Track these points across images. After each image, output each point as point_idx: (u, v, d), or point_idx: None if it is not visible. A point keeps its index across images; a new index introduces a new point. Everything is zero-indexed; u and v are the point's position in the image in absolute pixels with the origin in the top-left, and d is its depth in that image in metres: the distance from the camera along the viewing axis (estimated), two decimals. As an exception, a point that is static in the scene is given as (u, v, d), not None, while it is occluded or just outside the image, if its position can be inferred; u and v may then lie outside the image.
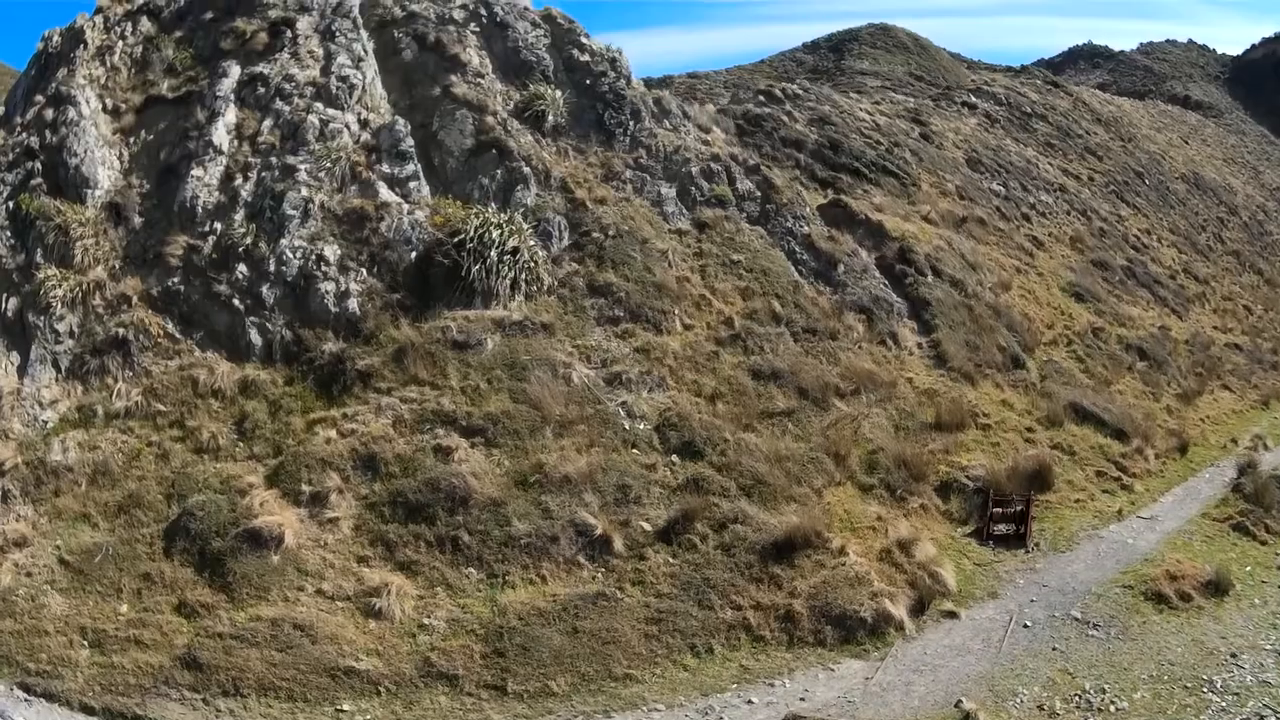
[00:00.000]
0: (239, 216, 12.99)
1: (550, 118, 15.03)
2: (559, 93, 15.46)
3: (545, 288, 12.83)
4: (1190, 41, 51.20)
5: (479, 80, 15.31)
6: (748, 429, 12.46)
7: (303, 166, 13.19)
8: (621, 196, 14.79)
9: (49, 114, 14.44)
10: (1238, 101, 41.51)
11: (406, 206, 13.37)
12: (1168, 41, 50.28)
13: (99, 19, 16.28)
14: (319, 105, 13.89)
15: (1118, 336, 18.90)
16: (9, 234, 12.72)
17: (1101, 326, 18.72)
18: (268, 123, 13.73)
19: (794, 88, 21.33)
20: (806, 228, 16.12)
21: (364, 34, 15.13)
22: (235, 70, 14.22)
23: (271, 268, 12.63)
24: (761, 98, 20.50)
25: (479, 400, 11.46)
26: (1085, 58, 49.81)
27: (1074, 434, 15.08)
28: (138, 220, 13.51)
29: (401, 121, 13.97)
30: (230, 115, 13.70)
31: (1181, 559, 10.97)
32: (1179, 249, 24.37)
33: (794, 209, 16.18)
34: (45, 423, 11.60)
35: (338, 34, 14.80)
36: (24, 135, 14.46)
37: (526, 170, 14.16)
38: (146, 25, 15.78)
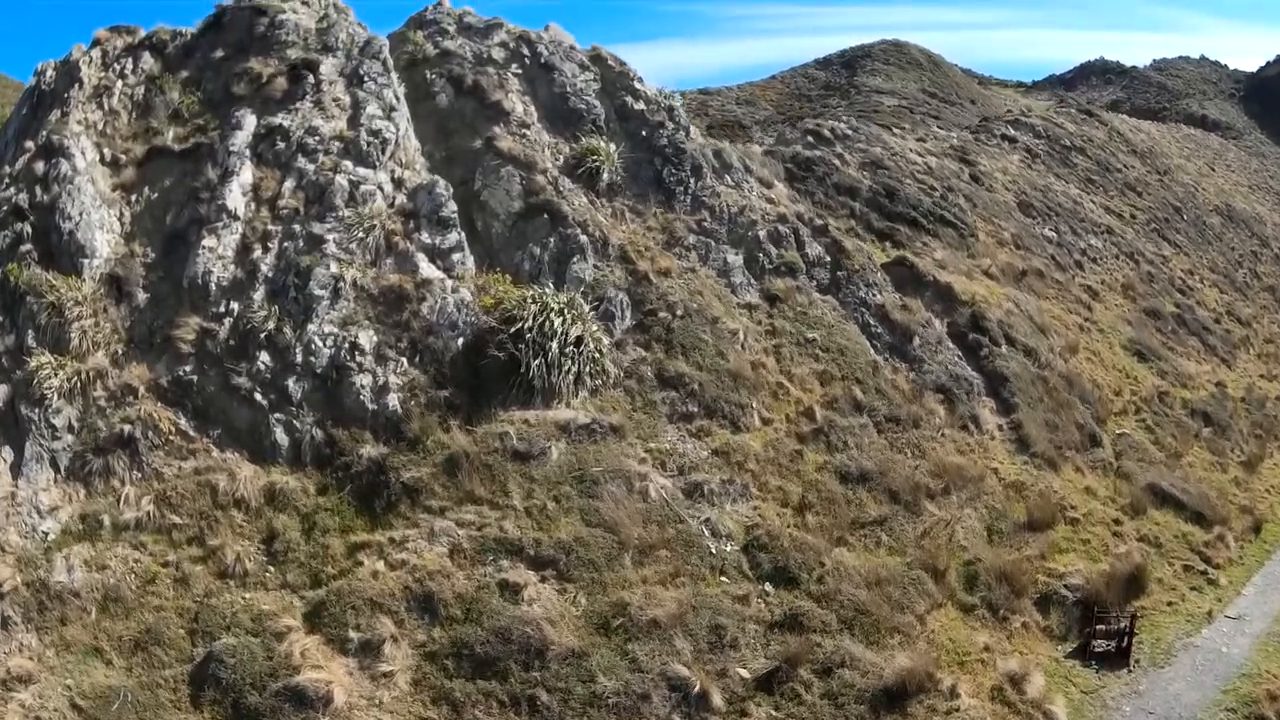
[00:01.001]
0: (259, 295, 11.22)
1: (605, 175, 13.24)
2: (613, 146, 13.70)
3: (611, 380, 11.34)
4: (1203, 58, 50.46)
5: (524, 132, 13.57)
6: (840, 542, 11.23)
7: (331, 236, 11.38)
8: (686, 266, 13.22)
9: (39, 166, 12.42)
10: (1254, 120, 40.90)
11: (450, 283, 11.68)
12: (1180, 58, 49.57)
13: (96, 54, 14.10)
14: (347, 163, 11.98)
15: (1182, 401, 18.00)
16: (-4, 311, 11.01)
17: (1166, 390, 17.82)
18: (289, 183, 11.80)
19: (843, 126, 19.93)
20: (879, 296, 14.73)
21: (395, 78, 13.20)
22: (251, 121, 12.25)
23: (298, 357, 10.96)
24: (810, 138, 19.07)
25: (547, 524, 9.96)
26: (1097, 73, 48.98)
27: (1157, 522, 14.24)
28: (142, 296, 11.71)
29: (442, 183, 12.12)
30: (246, 174, 11.77)
31: (1277, 673, 10.16)
32: (1220, 288, 23.57)
33: (865, 275, 14.73)
34: (45, 534, 9.88)
35: (366, 79, 12.87)
36: (12, 190, 12.38)
37: (582, 238, 12.45)
38: (149, 62, 13.71)
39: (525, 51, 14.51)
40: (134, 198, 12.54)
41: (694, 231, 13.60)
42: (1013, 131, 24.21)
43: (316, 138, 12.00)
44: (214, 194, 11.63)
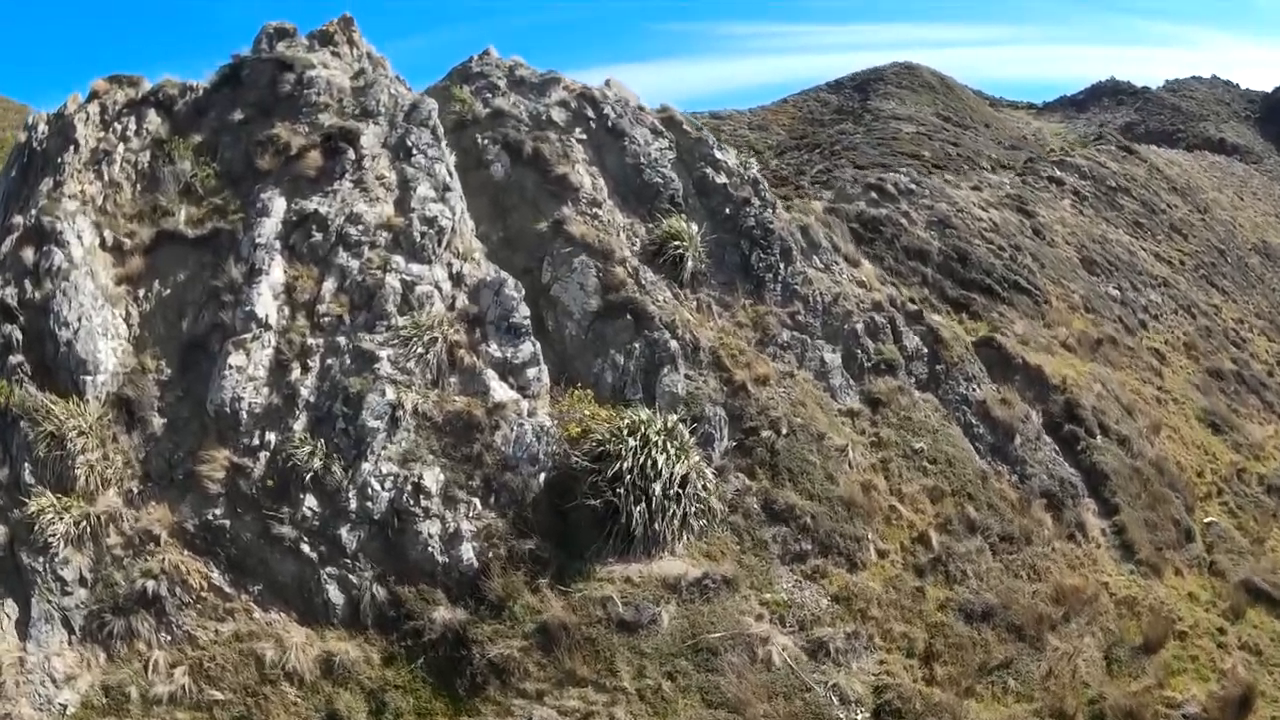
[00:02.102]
0: (299, 426, 9.22)
1: (689, 264, 11.38)
2: (694, 226, 11.85)
3: (717, 518, 9.92)
4: (1215, 77, 49.95)
5: (596, 212, 11.73)
6: (969, 693, 9.93)
7: (384, 353, 9.36)
8: (783, 370, 11.53)
9: (29, 255, 10.25)
10: (1271, 144, 40.59)
11: (525, 405, 9.84)
12: (1193, 78, 49.07)
13: (94, 109, 11.79)
14: (398, 259, 9.95)
15: (1258, 476, 17.01)
16: (-19, 442, 8.98)
17: (1243, 466, 16.83)
18: (329, 284, 9.76)
19: (906, 180, 18.56)
20: (978, 390, 13.15)
21: (446, 149, 11.28)
22: (279, 204, 10.13)
23: (351, 502, 9.13)
24: (874, 194, 17.66)
25: (663, 707, 8.21)
26: (1109, 94, 48.28)
27: (1255, 624, 13.33)
28: (158, 422, 9.75)
29: (511, 282, 10.17)
30: (277, 272, 9.69)
31: None
32: (1268, 336, 22.86)
33: (964, 367, 13.12)
34: (63, 707, 7.98)
35: (414, 151, 10.81)
36: None
37: (672, 343, 10.58)
38: (155, 122, 11.48)
39: (589, 113, 12.65)
40: (142, 293, 10.52)
41: (788, 327, 11.98)
42: (1059, 173, 23.15)
43: (360, 227, 10.00)
44: (239, 296, 9.64)
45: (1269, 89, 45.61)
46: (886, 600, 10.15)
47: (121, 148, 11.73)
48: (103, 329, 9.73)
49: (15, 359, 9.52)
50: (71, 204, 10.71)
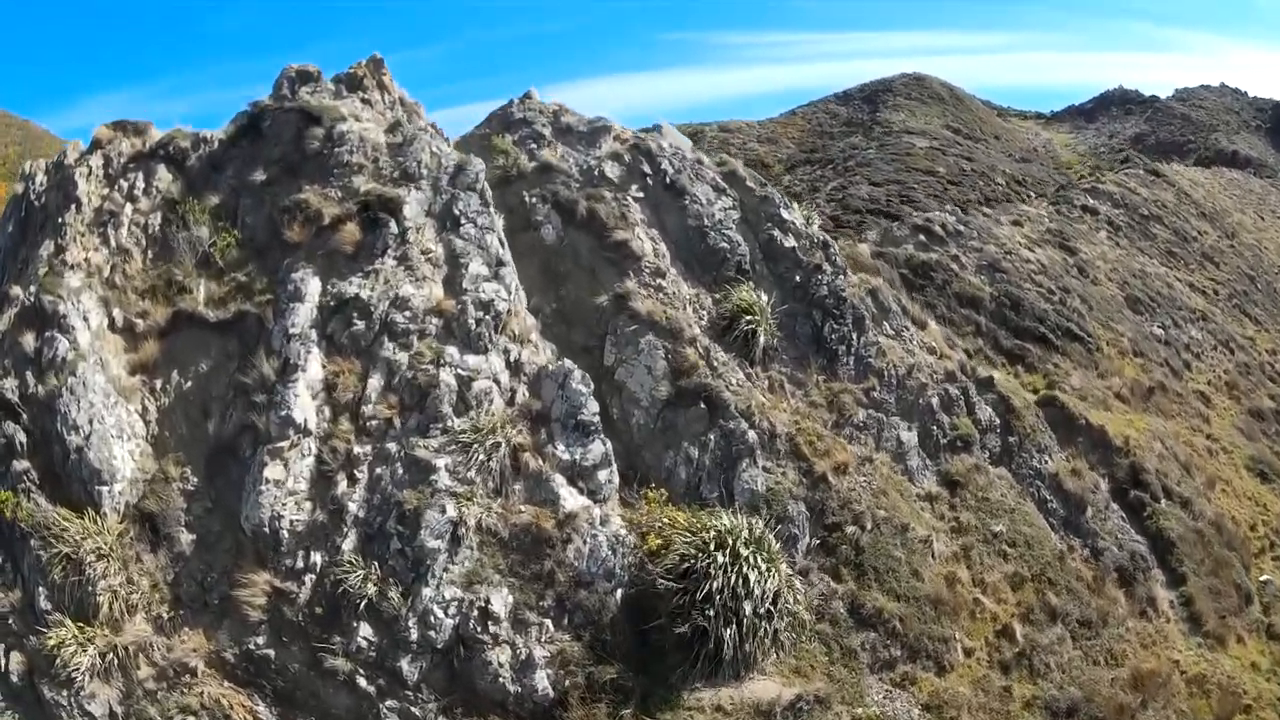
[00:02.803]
0: (348, 545, 8.01)
1: (761, 339, 10.38)
2: (763, 296, 10.88)
3: (806, 629, 9.08)
4: (1223, 85, 49.53)
5: (660, 283, 10.63)
6: (1071, 814, 9.55)
7: (441, 462, 8.22)
8: (862, 454, 10.53)
9: (29, 341, 8.91)
10: (1280, 153, 40.42)
11: (597, 512, 8.69)
12: (1202, 87, 48.66)
13: (97, 161, 10.49)
14: (451, 350, 8.78)
15: (1309, 525, 17.05)
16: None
17: (1294, 515, 16.80)
18: (375, 381, 8.55)
19: (952, 220, 17.73)
20: (1050, 462, 12.26)
21: (495, 215, 10.08)
22: (313, 285, 8.90)
23: (412, 630, 8.05)
24: (923, 237, 16.80)
25: None
26: (1117, 104, 47.75)
27: (1313, 691, 13.33)
28: (186, 539, 8.58)
29: (577, 374, 9.09)
30: (314, 367, 8.49)
31: None
32: (1298, 367, 22.75)
33: (1035, 437, 12.22)
34: None
35: (463, 220, 9.57)
36: None
37: (750, 434, 9.59)
38: (165, 179, 10.15)
39: (645, 167, 11.53)
40: (159, 385, 9.32)
41: (864, 405, 11.02)
42: (1093, 202, 22.52)
43: (407, 313, 8.82)
44: (272, 396, 8.37)
45: (1277, 96, 45.42)
46: (976, 704, 9.47)
47: (129, 209, 10.47)
48: (117, 430, 8.57)
49: (20, 465, 8.34)
50: (75, 276, 9.47)
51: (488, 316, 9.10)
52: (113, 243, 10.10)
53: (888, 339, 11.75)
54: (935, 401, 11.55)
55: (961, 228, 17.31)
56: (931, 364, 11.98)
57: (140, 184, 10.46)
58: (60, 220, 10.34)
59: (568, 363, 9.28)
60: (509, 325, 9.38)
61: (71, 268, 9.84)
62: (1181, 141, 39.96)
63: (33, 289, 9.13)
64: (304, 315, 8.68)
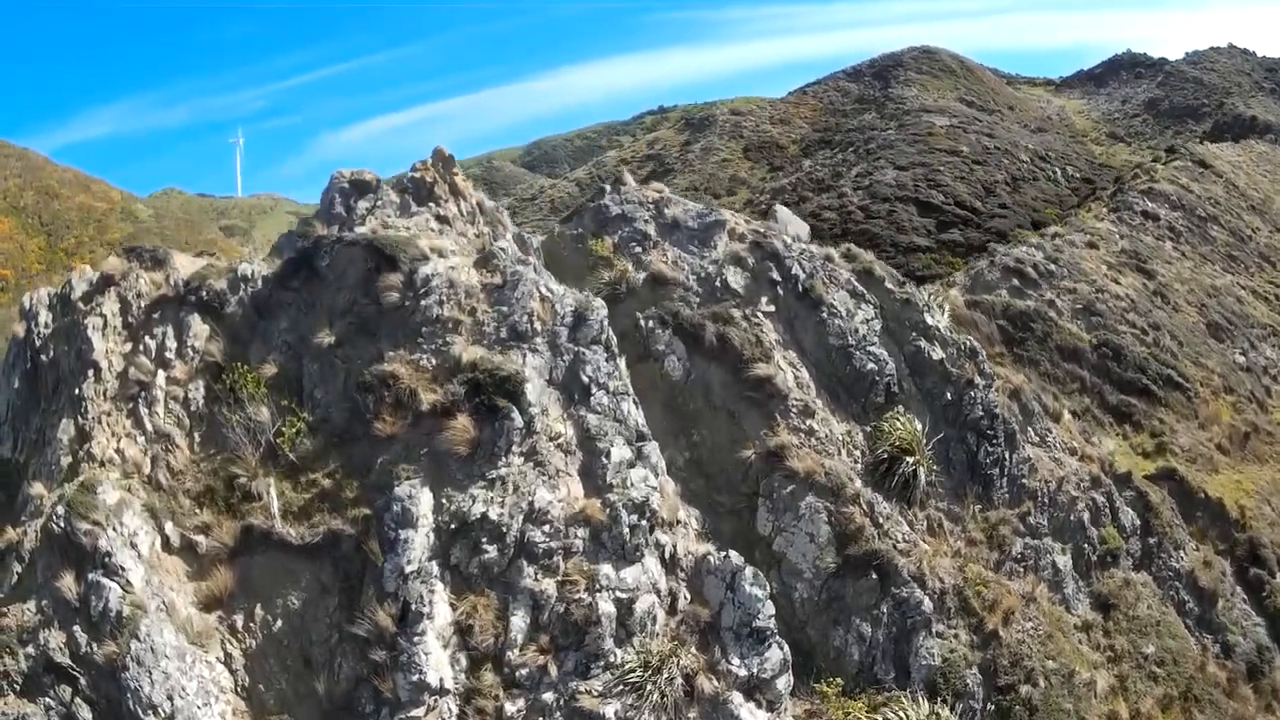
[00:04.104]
0: None
1: (922, 480, 8.80)
2: (917, 425, 9.16)
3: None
4: (1232, 46, 47.44)
5: (809, 423, 8.75)
6: None
7: (610, 709, 6.49)
8: (1024, 592, 9.11)
9: (69, 585, 6.65)
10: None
11: None
12: (1212, 49, 46.38)
13: (111, 304, 8.27)
14: (605, 569, 6.90)
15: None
16: None
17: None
18: (518, 620, 6.65)
19: (1039, 257, 15.99)
20: (1184, 558, 11.11)
21: (623, 366, 7.90)
22: (424, 501, 6.83)
23: None
24: (1016, 281, 15.10)
25: None
26: (1126, 68, 45.30)
27: None
28: None
29: (748, 572, 7.29)
30: (442, 611, 6.58)
31: None
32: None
33: (1172, 534, 11.03)
34: None
35: (593, 388, 7.48)
36: (32, 603, 6.68)
37: (925, 603, 8.10)
38: (201, 333, 7.91)
39: (774, 273, 9.42)
40: (239, 622, 7.29)
41: (1020, 534, 9.54)
42: (1151, 205, 20.96)
43: (546, 527, 6.90)
44: (396, 653, 6.44)
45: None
46: None
47: (162, 376, 8.20)
48: (203, 698, 6.68)
49: (82, 748, 6.60)
50: (109, 483, 7.33)
51: (642, 521, 7.23)
52: (148, 425, 7.92)
53: (1035, 447, 10.30)
54: (1085, 516, 10.26)
55: (1052, 266, 15.74)
56: (1077, 470, 10.63)
57: (171, 341, 8.18)
58: (77, 392, 8.10)
59: (734, 556, 7.55)
60: (659, 511, 7.65)
61: (102, 464, 7.71)
62: (1195, 106, 38.35)
63: (61, 511, 7.03)
64: (419, 545, 6.73)
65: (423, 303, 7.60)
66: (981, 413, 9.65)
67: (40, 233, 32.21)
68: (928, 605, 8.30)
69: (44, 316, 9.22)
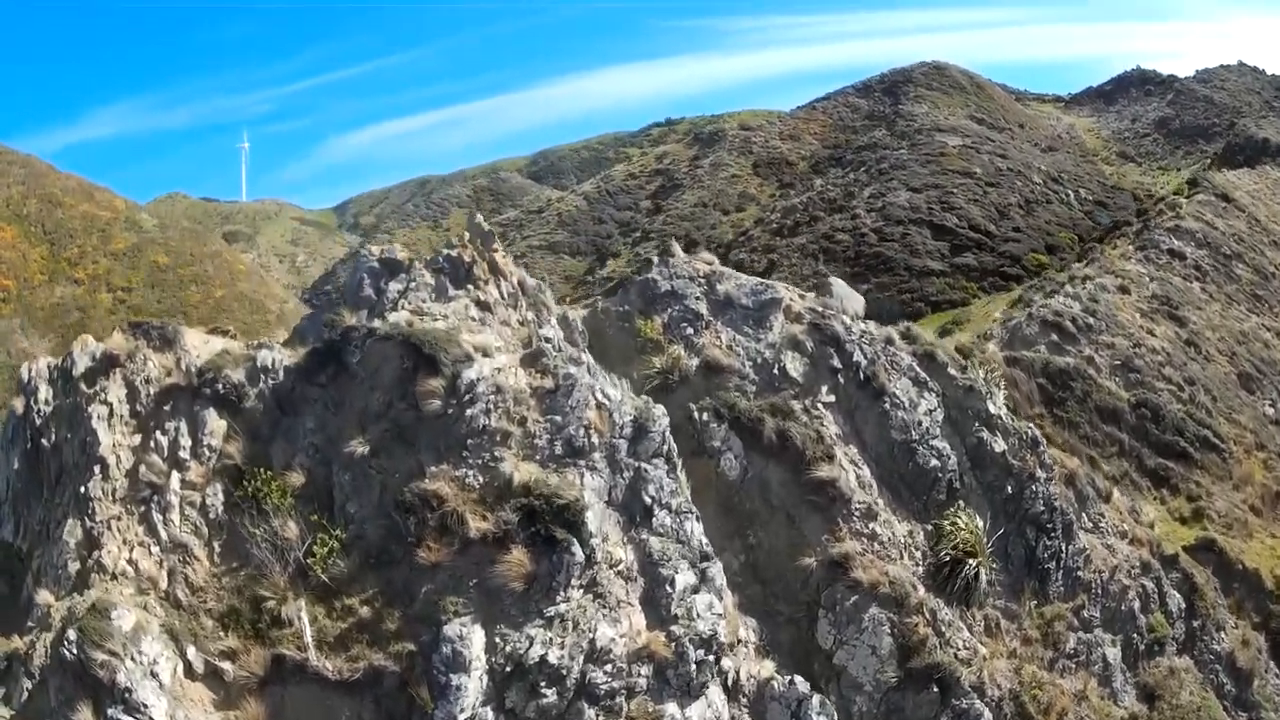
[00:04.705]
0: None
1: (983, 580, 8.18)
2: (978, 521, 8.54)
3: None
4: (1241, 64, 46.78)
5: (872, 527, 8.02)
6: None
7: None
8: (1075, 690, 8.44)
9: (86, 717, 5.99)
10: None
11: None
12: (1222, 66, 45.66)
13: (117, 389, 7.44)
14: (671, 710, 6.15)
15: None
16: None
17: None
18: None
19: (1078, 309, 15.40)
20: (1225, 639, 10.65)
21: (684, 479, 7.23)
22: (476, 642, 6.06)
23: None
24: (1055, 336, 14.48)
25: None
26: (1136, 85, 44.48)
27: None
28: None
29: (815, 700, 6.70)
30: None
31: None
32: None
33: (1215, 615, 10.47)
34: None
35: (654, 506, 6.76)
36: None
37: (985, 715, 7.46)
38: (218, 430, 7.11)
39: (834, 360, 8.64)
40: None
41: (1074, 628, 8.92)
42: (1178, 244, 20.38)
43: (608, 667, 6.16)
44: None
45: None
46: None
47: (175, 479, 7.42)
48: None
49: None
50: (123, 602, 6.63)
51: (710, 659, 6.51)
52: (163, 534, 7.15)
53: (1088, 534, 9.67)
54: (1136, 605, 9.65)
55: (1090, 319, 15.12)
56: (1128, 555, 10.02)
57: (184, 439, 7.39)
58: (83, 490, 7.33)
59: (799, 684, 6.89)
60: (723, 638, 6.95)
61: (114, 577, 6.95)
62: (1206, 125, 37.66)
63: (73, 636, 6.30)
64: (472, 690, 5.96)
65: (468, 412, 6.82)
66: (1042, 507, 9.01)
67: (43, 241, 31.04)
68: (987, 717, 7.71)
69: (44, 392, 8.40)
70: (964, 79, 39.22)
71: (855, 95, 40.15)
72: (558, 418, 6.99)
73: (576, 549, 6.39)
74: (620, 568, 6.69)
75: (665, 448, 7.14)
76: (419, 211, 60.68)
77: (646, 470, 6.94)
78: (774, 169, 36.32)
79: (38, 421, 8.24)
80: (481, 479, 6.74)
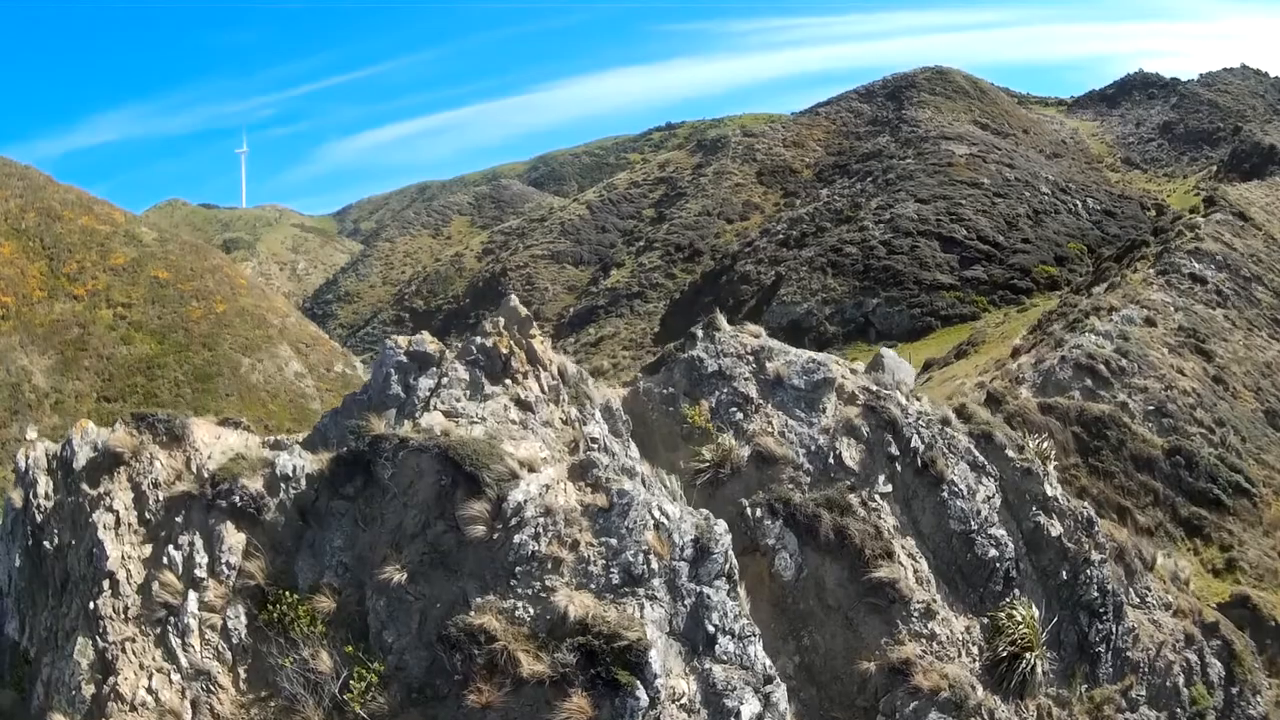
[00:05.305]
0: None
1: (1039, 672, 7.66)
2: (1035, 611, 7.96)
3: None
4: (1244, 67, 45.93)
5: (931, 627, 7.43)
6: None
7: None
8: None
9: None
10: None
11: None
12: (1225, 69, 44.96)
13: (123, 494, 6.80)
14: None
15: None
16: None
17: None
18: None
19: (1110, 350, 14.82)
20: (1260, 702, 10.32)
21: (744, 596, 6.62)
22: None
23: None
24: (1088, 379, 13.93)
25: None
26: (1139, 88, 43.57)
27: None
28: None
29: None
30: None
31: None
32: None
33: (1252, 679, 10.05)
34: None
35: (719, 635, 6.10)
36: None
37: None
38: (236, 545, 6.43)
39: (891, 446, 7.95)
40: None
41: (1122, 709, 8.54)
42: (1198, 267, 19.85)
43: None
44: None
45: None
46: None
47: (193, 599, 6.76)
48: None
49: None
50: (141, 743, 6.04)
51: (777, 799, 6.07)
52: (182, 659, 6.52)
53: (1135, 609, 9.21)
54: (1180, 680, 9.22)
55: (1124, 361, 14.58)
56: (1172, 629, 9.53)
57: (200, 556, 6.72)
58: (93, 607, 6.68)
59: (868, 820, 6.50)
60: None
61: (134, 708, 6.33)
62: (1211, 130, 36.91)
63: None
64: None
65: (515, 538, 6.15)
66: (1096, 593, 8.50)
67: (42, 256, 29.88)
68: (1055, 832, 7.27)
69: (43, 485, 7.70)
70: (966, 83, 38.26)
71: (858, 100, 39.10)
72: (613, 540, 6.34)
73: (641, 692, 5.78)
74: (683, 701, 6.09)
75: (728, 567, 6.51)
76: (419, 219, 59.40)
77: (709, 596, 6.31)
78: (778, 177, 35.44)
79: (38, 518, 7.56)
80: (532, 610, 6.10)
